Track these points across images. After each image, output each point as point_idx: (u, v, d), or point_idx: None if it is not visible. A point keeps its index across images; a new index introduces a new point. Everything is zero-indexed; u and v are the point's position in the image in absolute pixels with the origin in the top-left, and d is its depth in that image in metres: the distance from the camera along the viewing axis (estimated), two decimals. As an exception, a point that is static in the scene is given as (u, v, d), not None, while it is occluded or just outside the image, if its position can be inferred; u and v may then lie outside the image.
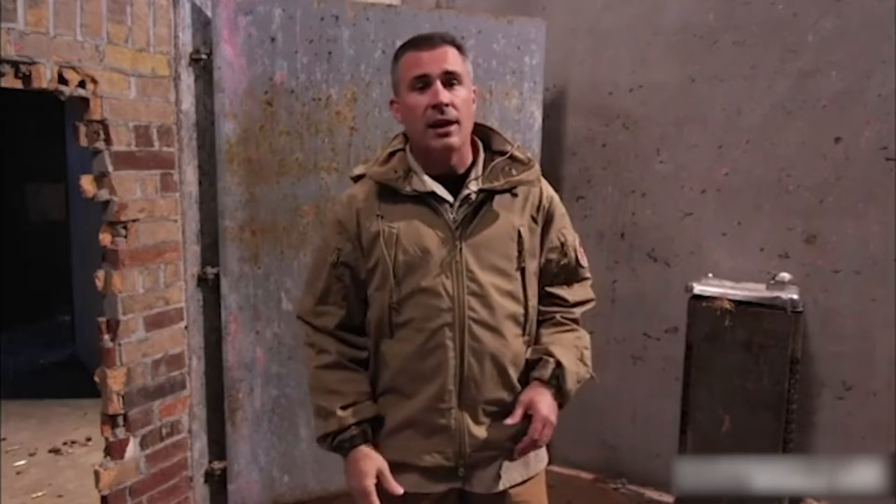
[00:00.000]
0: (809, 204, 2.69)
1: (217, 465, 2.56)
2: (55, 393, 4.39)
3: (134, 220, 2.19)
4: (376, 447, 1.44)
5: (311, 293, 1.50)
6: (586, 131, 3.13)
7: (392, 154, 1.46)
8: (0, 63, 1.76)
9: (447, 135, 1.36)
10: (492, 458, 1.45)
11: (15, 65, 1.80)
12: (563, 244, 1.51)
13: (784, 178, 2.73)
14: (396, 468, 1.42)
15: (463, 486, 1.45)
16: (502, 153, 1.46)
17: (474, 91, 1.43)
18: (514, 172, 1.43)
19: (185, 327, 2.43)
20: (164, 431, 2.35)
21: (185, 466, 2.47)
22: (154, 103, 2.24)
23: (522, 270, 1.43)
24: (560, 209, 1.53)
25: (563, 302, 1.54)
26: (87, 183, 2.10)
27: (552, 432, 1.41)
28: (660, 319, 3.01)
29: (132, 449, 2.23)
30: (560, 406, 1.44)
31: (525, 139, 2.87)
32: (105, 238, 2.16)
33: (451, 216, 1.40)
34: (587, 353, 1.52)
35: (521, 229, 1.43)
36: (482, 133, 1.49)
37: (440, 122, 1.35)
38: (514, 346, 1.44)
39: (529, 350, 1.47)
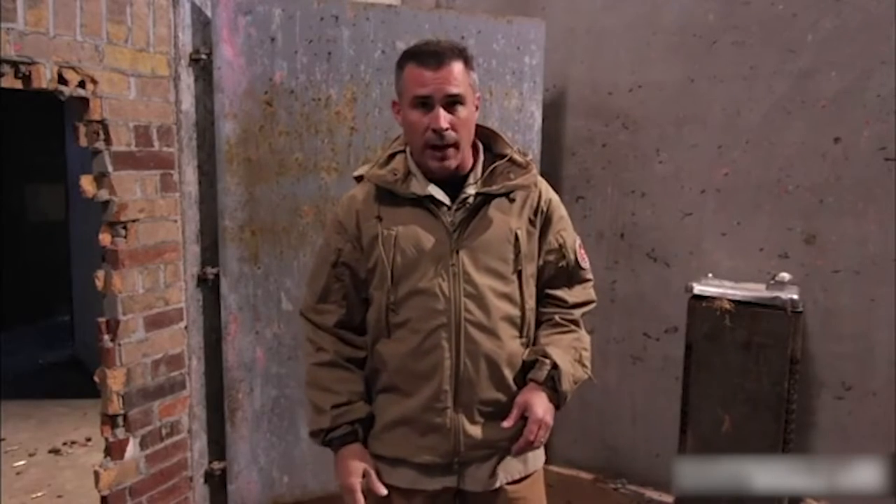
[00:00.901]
0: (809, 204, 2.69)
1: (217, 465, 2.56)
2: (55, 393, 4.39)
3: (134, 221, 2.19)
4: (367, 446, 1.47)
5: (312, 291, 1.53)
6: (586, 131, 3.13)
7: (392, 156, 1.48)
8: (0, 63, 1.76)
9: (444, 158, 1.38)
10: (487, 457, 1.47)
11: (15, 65, 1.80)
12: (561, 246, 1.52)
13: (783, 178, 2.73)
14: (392, 463, 1.45)
15: (458, 483, 1.47)
16: (502, 156, 1.47)
17: (478, 98, 1.44)
18: (511, 176, 1.44)
19: (185, 327, 2.43)
20: (163, 431, 2.35)
21: (184, 466, 2.47)
22: (154, 103, 2.24)
23: (519, 273, 1.45)
24: (559, 211, 1.53)
25: (562, 303, 1.55)
26: (86, 183, 2.10)
27: (548, 433, 1.43)
28: (659, 319, 3.01)
29: (132, 449, 2.23)
30: (556, 407, 1.45)
31: (525, 139, 2.87)
32: (105, 238, 2.15)
33: (449, 219, 1.42)
34: (586, 355, 1.52)
35: (519, 232, 1.44)
36: (484, 135, 1.50)
37: (438, 146, 1.37)
38: (510, 348, 1.45)
39: (526, 351, 1.48)
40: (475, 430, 1.43)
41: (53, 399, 4.29)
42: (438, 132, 1.35)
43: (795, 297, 2.48)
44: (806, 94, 2.66)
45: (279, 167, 2.50)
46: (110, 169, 2.10)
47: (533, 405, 1.40)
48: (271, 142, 2.48)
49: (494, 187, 1.43)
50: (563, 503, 2.95)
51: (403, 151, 1.47)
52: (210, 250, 2.50)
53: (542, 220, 1.50)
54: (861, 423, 2.64)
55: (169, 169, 2.32)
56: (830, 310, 2.67)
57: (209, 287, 2.50)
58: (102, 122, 2.07)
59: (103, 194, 2.11)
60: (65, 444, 3.67)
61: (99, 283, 2.16)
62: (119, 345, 2.16)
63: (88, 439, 3.71)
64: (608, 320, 3.10)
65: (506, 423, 1.40)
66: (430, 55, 1.37)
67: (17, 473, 3.36)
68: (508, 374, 1.45)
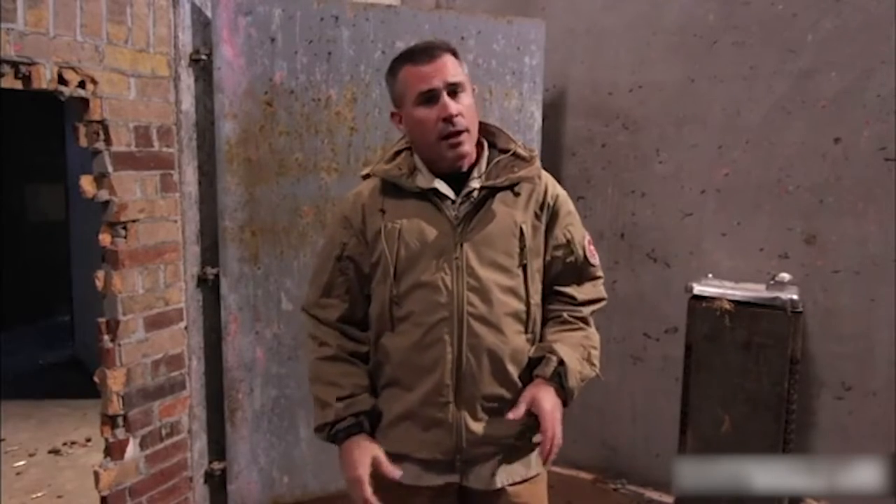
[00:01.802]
0: (809, 204, 2.69)
1: (217, 465, 2.56)
2: (55, 393, 4.39)
3: (134, 221, 2.19)
4: (374, 439, 1.46)
5: (315, 286, 1.53)
6: (586, 131, 3.13)
7: (398, 153, 1.49)
8: (0, 63, 1.76)
9: (460, 144, 1.38)
10: (490, 455, 1.46)
11: (15, 65, 1.80)
12: (569, 241, 1.51)
13: (784, 178, 2.73)
14: (395, 459, 1.43)
15: (461, 480, 1.46)
16: (506, 151, 1.48)
17: (474, 90, 1.45)
18: (515, 169, 1.45)
19: (185, 328, 2.43)
20: (163, 432, 2.35)
21: (184, 467, 2.47)
22: (154, 104, 2.24)
23: (524, 267, 1.44)
24: (566, 206, 1.52)
25: (570, 300, 1.54)
26: (86, 183, 2.10)
27: (560, 426, 1.39)
28: (660, 319, 3.01)
29: (132, 449, 2.23)
30: (564, 404, 1.43)
31: (525, 139, 2.87)
32: (105, 238, 2.16)
33: (453, 213, 1.42)
34: (595, 353, 1.52)
35: (524, 226, 1.44)
36: (487, 131, 1.51)
37: (452, 133, 1.37)
38: (514, 343, 1.44)
39: (533, 348, 1.47)
40: (477, 426, 1.42)
41: (53, 399, 4.29)
42: (449, 119, 1.36)
43: (795, 297, 2.48)
44: (806, 94, 2.66)
45: (279, 167, 2.50)
46: (110, 169, 2.10)
47: (540, 400, 1.38)
48: (271, 142, 2.48)
49: (499, 180, 1.43)
50: (563, 503, 2.95)
51: (408, 149, 1.48)
52: (210, 250, 2.50)
53: (549, 215, 1.49)
54: (861, 424, 2.64)
55: (169, 169, 2.32)
56: (830, 310, 2.67)
57: (209, 287, 2.50)
58: (102, 123, 2.07)
59: (103, 194, 2.11)
60: (65, 444, 3.67)
61: (99, 284, 2.16)
62: (119, 345, 2.16)
63: (88, 439, 3.71)
64: (608, 320, 3.09)
65: (511, 414, 1.38)
66: (421, 52, 1.40)
67: (17, 474, 3.36)
68: (512, 370, 1.43)
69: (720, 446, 2.57)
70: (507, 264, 1.43)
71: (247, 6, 2.37)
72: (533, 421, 1.40)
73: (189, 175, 2.42)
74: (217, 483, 2.58)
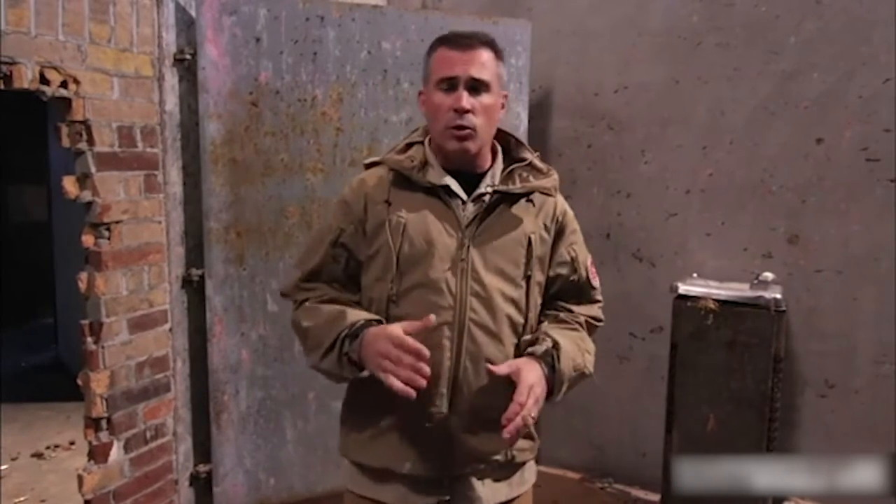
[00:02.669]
0: (792, 204, 2.71)
1: (202, 467, 2.55)
2: (38, 396, 4.34)
3: (117, 222, 2.17)
4: (353, 454, 1.41)
5: (300, 269, 1.46)
6: (572, 132, 3.14)
7: (410, 145, 1.45)
8: (-20, 63, 1.74)
9: (463, 139, 1.34)
10: (478, 472, 1.40)
11: (-5, 65, 1.78)
12: (573, 259, 1.48)
13: (767, 178, 2.75)
14: (380, 476, 1.39)
15: (449, 499, 1.40)
16: (522, 160, 1.45)
17: (504, 96, 1.41)
18: (531, 179, 1.42)
19: (170, 329, 2.41)
20: (148, 434, 2.33)
21: (169, 469, 2.45)
22: (137, 104, 2.22)
23: (528, 279, 1.40)
24: (573, 225, 1.50)
25: (568, 311, 1.50)
26: (69, 184, 2.08)
27: (538, 409, 1.28)
28: (645, 319, 3.03)
29: (116, 452, 2.21)
30: (550, 392, 1.33)
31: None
32: (88, 240, 2.14)
33: (463, 213, 1.37)
34: (590, 358, 1.45)
35: (532, 237, 1.40)
36: (504, 140, 1.48)
37: (459, 126, 1.33)
38: (512, 355, 1.38)
39: (528, 337, 1.41)
40: (470, 441, 1.36)
41: (37, 402, 4.25)
42: (459, 111, 1.32)
43: (779, 296, 2.50)
44: (789, 95, 2.69)
45: (264, 168, 2.49)
46: (93, 170, 2.08)
47: (524, 371, 1.28)
48: (257, 142, 2.46)
49: (514, 187, 1.40)
50: (549, 503, 2.95)
51: (421, 142, 1.44)
52: (195, 251, 2.48)
53: (556, 230, 1.45)
54: (844, 421, 2.67)
55: (153, 170, 2.30)
56: (813, 309, 2.70)
57: (194, 288, 2.48)
58: (85, 123, 2.05)
59: (86, 195, 2.10)
60: (48, 447, 3.63)
61: (82, 285, 2.14)
62: (103, 347, 2.15)
63: (72, 443, 3.67)
64: (594, 320, 3.11)
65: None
66: (460, 38, 1.36)
67: (0, 478, 3.32)
68: (509, 383, 1.31)
69: (706, 445, 2.58)
70: (512, 273, 1.38)
71: (231, 6, 2.35)
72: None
73: (173, 176, 2.40)
74: (203, 485, 2.57)
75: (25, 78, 1.85)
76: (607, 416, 3.18)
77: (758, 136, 2.75)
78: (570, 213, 1.51)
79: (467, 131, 1.33)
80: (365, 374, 1.32)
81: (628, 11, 2.97)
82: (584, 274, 1.50)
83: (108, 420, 2.18)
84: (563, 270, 1.47)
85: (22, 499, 3.13)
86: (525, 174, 1.43)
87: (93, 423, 2.17)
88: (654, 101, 2.95)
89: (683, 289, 2.65)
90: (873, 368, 2.61)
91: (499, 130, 1.45)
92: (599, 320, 1.55)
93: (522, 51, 2.83)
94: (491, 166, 1.43)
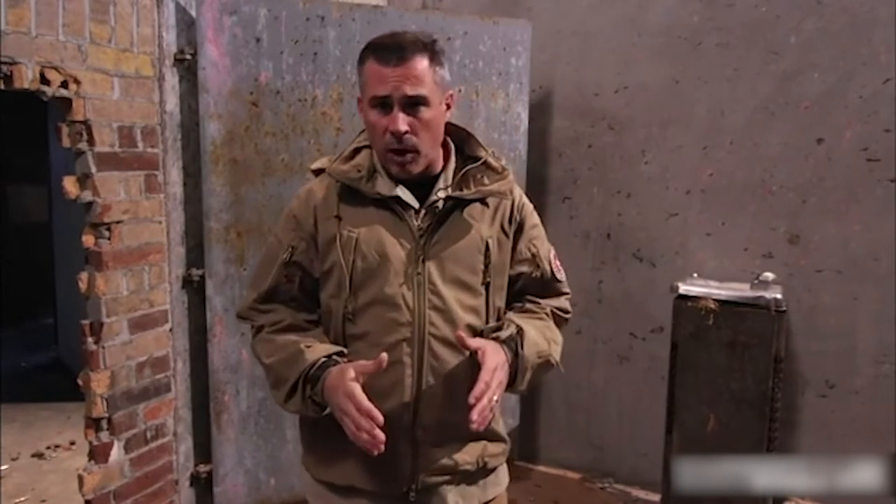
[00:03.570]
0: (792, 204, 2.71)
1: (203, 468, 2.55)
2: (38, 396, 4.34)
3: (118, 222, 2.17)
4: (317, 472, 1.38)
5: (255, 290, 1.39)
6: (572, 132, 3.14)
7: (357, 150, 1.36)
8: (-20, 63, 1.74)
9: (404, 163, 1.27)
10: (446, 484, 1.36)
11: (-4, 65, 1.78)
12: (534, 255, 1.42)
13: (767, 178, 2.75)
14: (345, 493, 1.35)
15: None
16: (476, 159, 1.37)
17: (450, 96, 1.32)
18: (486, 181, 1.34)
19: (170, 329, 2.41)
20: (148, 435, 2.33)
21: (170, 470, 2.45)
22: (138, 104, 2.22)
23: (488, 285, 1.34)
24: (532, 219, 1.43)
25: (534, 302, 1.46)
26: (69, 184, 2.08)
27: (500, 395, 1.25)
28: (645, 319, 3.03)
29: (116, 452, 2.21)
30: (513, 379, 1.30)
31: (511, 140, 2.88)
32: (88, 240, 2.14)
33: (416, 223, 1.30)
34: (556, 347, 1.40)
35: (490, 241, 1.34)
36: (457, 135, 1.40)
37: (397, 150, 1.26)
38: (476, 364, 1.29)
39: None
40: (434, 455, 1.32)
41: (37, 402, 4.24)
42: (396, 135, 1.23)
43: (779, 296, 2.50)
44: (789, 95, 2.69)
45: (265, 168, 2.49)
46: (94, 170, 2.08)
47: (488, 352, 1.24)
48: (257, 142, 2.46)
49: (467, 192, 1.32)
50: (550, 503, 2.96)
51: (368, 147, 1.35)
52: (195, 252, 2.48)
53: (515, 229, 1.40)
54: (844, 421, 2.67)
55: (153, 170, 2.30)
56: (814, 309, 2.70)
57: (194, 289, 2.48)
58: (86, 123, 2.05)
59: (86, 195, 2.10)
60: (48, 447, 3.63)
61: (82, 286, 2.14)
62: (103, 347, 2.15)
63: (72, 443, 3.67)
64: (595, 320, 3.11)
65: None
66: (390, 50, 1.23)
67: (0, 478, 3.32)
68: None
69: (706, 445, 2.58)
70: (470, 282, 1.32)
71: (232, 6, 2.35)
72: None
73: (174, 176, 2.40)
74: (203, 486, 2.57)
75: (26, 78, 1.85)
76: (607, 416, 3.18)
77: (758, 136, 2.75)
78: (529, 206, 1.44)
79: (408, 155, 1.26)
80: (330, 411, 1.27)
81: (628, 11, 2.97)
82: (547, 269, 1.44)
83: (109, 420, 2.18)
84: (525, 268, 1.42)
85: (22, 499, 3.13)
86: (479, 175, 1.35)
87: (93, 424, 2.17)
88: (655, 102, 2.95)
89: (684, 289, 2.65)
90: (873, 368, 2.61)
91: (450, 125, 1.37)
92: (567, 312, 1.51)
93: (522, 51, 2.83)
94: (443, 168, 1.35)
